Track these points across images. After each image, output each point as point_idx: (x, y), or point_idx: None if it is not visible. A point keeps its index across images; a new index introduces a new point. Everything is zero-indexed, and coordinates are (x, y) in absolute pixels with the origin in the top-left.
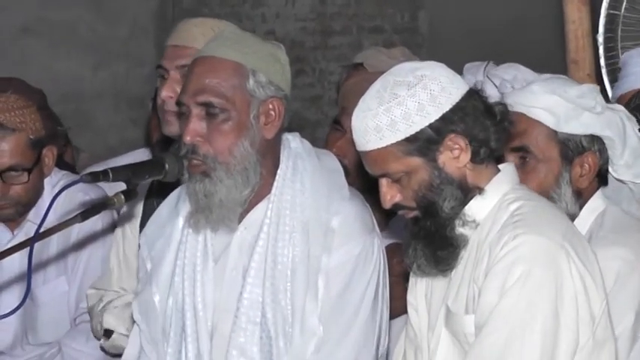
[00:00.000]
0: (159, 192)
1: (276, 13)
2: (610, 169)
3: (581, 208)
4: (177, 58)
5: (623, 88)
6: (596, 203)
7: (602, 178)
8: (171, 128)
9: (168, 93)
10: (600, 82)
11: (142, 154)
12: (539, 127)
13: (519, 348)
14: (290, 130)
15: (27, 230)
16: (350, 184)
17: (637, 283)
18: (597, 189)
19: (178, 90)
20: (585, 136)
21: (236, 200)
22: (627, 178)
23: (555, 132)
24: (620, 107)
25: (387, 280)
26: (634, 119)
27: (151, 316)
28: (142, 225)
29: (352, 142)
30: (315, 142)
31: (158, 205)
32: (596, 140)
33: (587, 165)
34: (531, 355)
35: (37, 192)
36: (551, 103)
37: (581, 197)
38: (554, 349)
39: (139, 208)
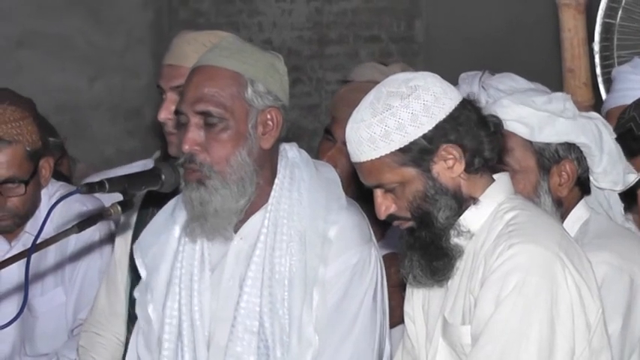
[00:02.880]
0: (154, 201)
1: (273, 23)
2: (591, 178)
3: (563, 216)
4: (171, 78)
5: (610, 103)
6: (579, 212)
7: (584, 187)
8: (176, 149)
9: (166, 115)
10: (596, 91)
11: (143, 166)
12: (514, 139)
13: (515, 358)
14: (287, 139)
15: (24, 241)
16: None
17: (623, 286)
18: (581, 198)
19: None
20: (561, 144)
21: (231, 209)
22: (606, 185)
23: (530, 142)
24: (596, 115)
25: (385, 291)
26: (609, 126)
27: (147, 324)
28: (135, 235)
29: (343, 152)
30: (312, 151)
31: (153, 214)
32: (573, 148)
33: (565, 173)
34: None
35: (34, 203)
36: (523, 114)
37: (562, 206)
38: (551, 358)
39: (133, 219)
